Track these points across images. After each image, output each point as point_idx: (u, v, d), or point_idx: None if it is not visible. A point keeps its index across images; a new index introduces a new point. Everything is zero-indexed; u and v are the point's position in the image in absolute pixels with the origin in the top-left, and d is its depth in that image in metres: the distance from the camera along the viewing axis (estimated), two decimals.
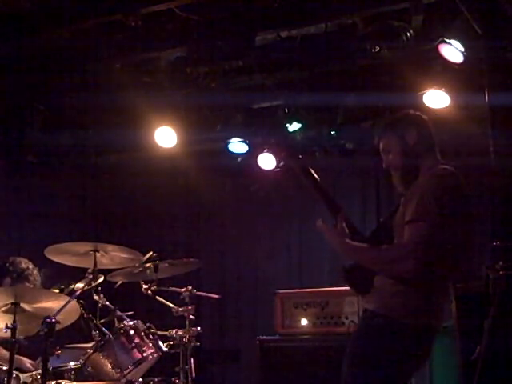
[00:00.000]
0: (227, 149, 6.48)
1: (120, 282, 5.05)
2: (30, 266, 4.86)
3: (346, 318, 5.48)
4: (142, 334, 4.62)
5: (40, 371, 3.87)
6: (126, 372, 4.39)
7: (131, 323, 4.63)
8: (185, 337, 4.84)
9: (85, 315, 4.43)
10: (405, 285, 3.02)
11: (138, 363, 4.50)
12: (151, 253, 4.86)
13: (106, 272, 4.77)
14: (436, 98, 5.48)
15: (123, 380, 4.36)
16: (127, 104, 5.90)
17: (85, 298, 4.45)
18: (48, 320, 3.67)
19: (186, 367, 4.83)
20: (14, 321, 3.83)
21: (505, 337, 4.24)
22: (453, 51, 4.87)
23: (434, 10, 4.80)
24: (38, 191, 6.68)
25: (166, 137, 6.23)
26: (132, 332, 4.58)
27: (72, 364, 4.39)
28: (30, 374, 4.31)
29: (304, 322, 5.64)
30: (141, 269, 4.88)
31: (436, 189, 3.05)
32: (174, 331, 4.86)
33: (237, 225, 7.18)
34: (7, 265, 4.83)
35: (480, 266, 4.45)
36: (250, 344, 6.02)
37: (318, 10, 4.97)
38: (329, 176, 6.25)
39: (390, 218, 3.28)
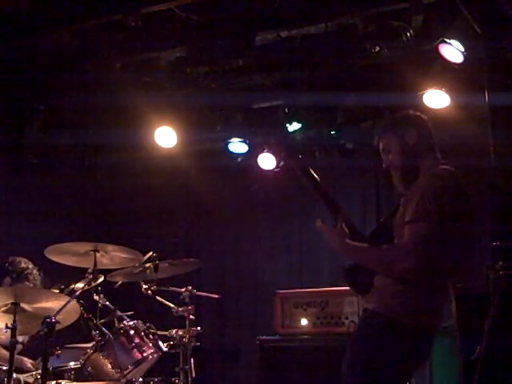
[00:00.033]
0: (227, 149, 6.48)
1: (120, 282, 5.05)
2: (30, 266, 4.86)
3: (346, 318, 5.48)
4: (142, 333, 4.62)
5: (40, 371, 3.87)
6: (126, 372, 4.39)
7: (131, 323, 4.63)
8: (185, 337, 4.85)
9: (85, 315, 4.43)
10: (405, 285, 3.02)
11: (138, 363, 4.50)
12: (151, 253, 4.86)
13: (106, 272, 4.77)
14: (436, 98, 5.48)
15: (123, 380, 4.36)
16: (127, 104, 5.90)
17: (85, 298, 4.45)
18: (48, 320, 3.67)
19: (186, 367, 4.84)
20: (14, 321, 3.83)
21: (505, 337, 4.25)
22: (453, 51, 4.87)
23: (433, 10, 4.80)
24: (38, 191, 6.68)
25: (166, 137, 6.23)
26: (132, 332, 4.58)
27: (72, 364, 4.39)
28: (30, 373, 4.31)
29: (304, 321, 5.64)
30: (141, 269, 4.88)
31: (436, 189, 3.05)
32: (174, 331, 4.86)
33: (237, 225, 7.18)
34: (7, 265, 4.83)
35: (480, 266, 4.45)
36: (250, 344, 6.02)
37: (318, 10, 4.96)
38: (329, 176, 6.26)
39: (390, 218, 3.28)
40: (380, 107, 5.86)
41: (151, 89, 5.75)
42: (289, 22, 5.11)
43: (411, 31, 4.81)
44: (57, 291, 4.40)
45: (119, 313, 4.78)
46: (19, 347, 4.02)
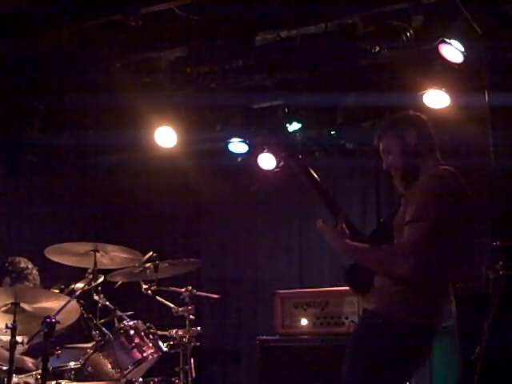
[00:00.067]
0: (227, 149, 6.48)
1: (120, 282, 5.05)
2: (30, 266, 4.86)
3: (346, 318, 5.48)
4: (142, 333, 4.62)
5: (40, 371, 3.87)
6: (126, 372, 4.39)
7: (131, 323, 4.63)
8: (185, 337, 4.85)
9: (85, 315, 4.43)
10: (404, 285, 3.03)
11: (138, 363, 4.50)
12: (151, 253, 4.87)
13: (106, 272, 4.77)
14: (436, 98, 5.48)
15: (123, 380, 4.36)
16: (127, 104, 5.90)
17: (85, 298, 4.45)
18: (48, 320, 3.67)
19: (186, 367, 4.84)
20: (14, 321, 3.83)
21: (505, 337, 4.24)
22: (453, 51, 4.87)
23: (434, 10, 4.79)
24: (38, 191, 6.68)
25: (166, 137, 6.23)
26: (132, 332, 4.58)
27: (72, 364, 4.39)
28: (30, 374, 4.30)
29: (304, 321, 5.64)
30: (141, 269, 4.89)
31: (436, 189, 3.05)
32: (174, 331, 4.86)
33: (237, 225, 7.18)
34: (6, 265, 4.83)
35: (480, 266, 4.45)
36: (250, 344, 6.02)
37: (318, 9, 4.96)
38: (329, 176, 6.26)
39: (391, 219, 3.28)
40: (380, 107, 5.86)
41: (151, 89, 5.75)
42: (289, 22, 5.10)
43: (411, 31, 4.81)
44: (57, 291, 4.40)
45: (119, 313, 4.78)
46: (20, 347, 4.02)
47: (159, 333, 4.79)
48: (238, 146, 6.46)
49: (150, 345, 4.61)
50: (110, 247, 4.61)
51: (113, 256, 4.69)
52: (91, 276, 4.52)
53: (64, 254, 4.64)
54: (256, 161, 6.40)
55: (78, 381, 4.33)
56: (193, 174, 6.93)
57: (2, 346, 4.28)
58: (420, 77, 5.36)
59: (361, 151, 6.42)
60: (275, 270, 6.99)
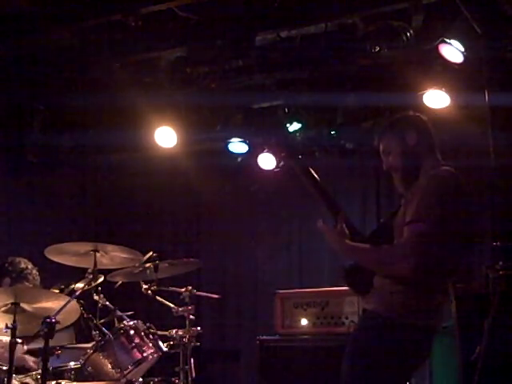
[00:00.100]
0: (227, 149, 6.48)
1: (120, 281, 5.05)
2: (29, 266, 4.86)
3: (346, 318, 5.47)
4: (142, 333, 4.62)
5: (40, 371, 3.87)
6: (126, 372, 4.40)
7: (131, 323, 4.63)
8: (185, 337, 4.85)
9: (85, 315, 4.43)
10: (404, 285, 3.03)
11: (138, 363, 4.50)
12: (151, 253, 4.87)
13: (106, 272, 4.77)
14: (436, 98, 5.48)
15: (123, 380, 4.37)
16: (127, 104, 5.90)
17: (85, 298, 4.46)
18: (48, 320, 3.67)
19: (186, 367, 4.84)
20: (14, 321, 3.83)
21: (505, 337, 4.24)
22: (453, 51, 4.87)
23: (433, 10, 4.80)
24: (38, 191, 6.68)
25: (166, 137, 6.23)
26: (132, 332, 4.58)
27: (72, 364, 4.39)
28: (30, 374, 4.30)
29: (304, 321, 5.64)
30: (141, 269, 4.89)
31: (436, 190, 3.05)
32: (174, 331, 4.86)
33: (237, 225, 7.18)
34: (6, 265, 4.83)
35: (480, 266, 4.45)
36: (250, 344, 6.02)
37: (318, 9, 4.96)
38: (329, 176, 6.25)
39: (391, 219, 3.28)
40: (380, 107, 5.86)
41: (151, 89, 5.75)
42: (289, 22, 5.11)
43: (411, 31, 4.81)
44: (57, 291, 4.40)
45: (119, 313, 4.78)
46: (20, 347, 4.02)
47: (159, 333, 4.80)
48: (238, 145, 6.45)
49: (150, 345, 4.61)
50: (110, 247, 4.61)
51: (113, 256, 4.69)
52: (91, 276, 4.52)
53: (64, 254, 4.64)
54: (256, 161, 6.40)
55: (78, 381, 4.33)
56: (193, 174, 6.93)
57: (2, 347, 4.28)
58: (420, 77, 5.36)
59: (361, 151, 6.42)
60: (275, 270, 6.99)
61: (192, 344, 4.87)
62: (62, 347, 4.37)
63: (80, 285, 4.48)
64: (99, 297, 4.70)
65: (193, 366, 4.88)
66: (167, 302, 5.07)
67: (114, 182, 7.26)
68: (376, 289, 3.13)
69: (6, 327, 3.82)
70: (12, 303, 3.88)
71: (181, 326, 4.92)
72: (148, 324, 4.73)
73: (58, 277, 4.70)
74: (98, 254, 4.58)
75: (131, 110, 6.03)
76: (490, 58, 4.93)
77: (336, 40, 5.12)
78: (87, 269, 4.60)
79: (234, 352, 7.03)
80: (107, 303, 4.75)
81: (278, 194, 6.92)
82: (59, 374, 4.32)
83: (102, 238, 4.85)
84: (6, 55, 5.33)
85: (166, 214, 7.54)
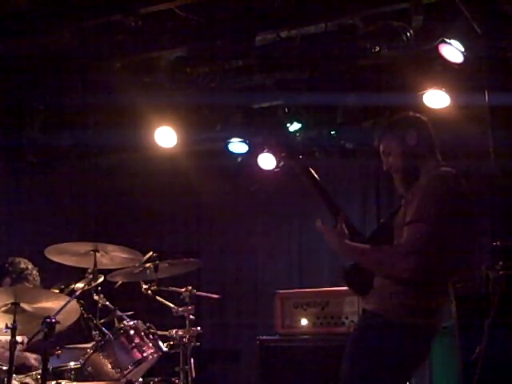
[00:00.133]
0: (227, 149, 6.48)
1: (120, 281, 5.05)
2: (30, 266, 4.86)
3: (346, 318, 5.47)
4: (142, 333, 4.62)
5: (40, 371, 3.87)
6: (126, 372, 4.39)
7: (131, 323, 4.63)
8: (185, 337, 4.85)
9: (85, 315, 4.43)
10: (404, 285, 3.02)
11: (138, 363, 4.50)
12: (151, 253, 4.87)
13: (106, 272, 4.77)
14: (436, 98, 5.48)
15: (123, 380, 4.37)
16: (127, 104, 5.90)
17: (85, 298, 4.45)
18: (48, 320, 3.67)
19: (186, 367, 4.84)
20: (14, 321, 3.83)
21: (505, 337, 4.24)
22: (453, 51, 4.86)
23: (433, 10, 4.79)
24: (38, 191, 6.68)
25: (166, 137, 6.23)
26: (132, 332, 4.58)
27: (72, 364, 4.39)
28: (30, 373, 4.30)
29: (304, 321, 5.63)
30: (141, 269, 4.89)
31: (436, 190, 3.05)
32: (174, 331, 4.86)
33: (237, 225, 7.18)
34: (6, 265, 4.82)
35: (480, 266, 4.45)
36: (249, 344, 6.02)
37: (318, 9, 4.96)
38: (329, 176, 6.25)
39: (391, 219, 3.28)
40: (380, 107, 5.86)
41: (151, 89, 5.75)
42: (289, 22, 5.10)
43: (411, 31, 4.81)
44: (57, 291, 4.40)
45: (119, 313, 4.78)
46: (20, 347, 4.02)
47: (159, 333, 4.80)
48: (238, 145, 6.46)
49: (150, 345, 4.61)
50: (110, 247, 4.61)
51: (113, 256, 4.69)
52: (91, 276, 4.52)
53: (64, 254, 4.64)
54: (256, 161, 6.40)
55: (78, 381, 4.33)
56: (193, 174, 6.93)
57: (3, 347, 4.28)
58: (420, 77, 5.36)
59: (361, 151, 6.42)
60: (275, 270, 7.00)
61: (192, 344, 4.87)
62: (61, 347, 4.37)
63: (80, 285, 4.48)
64: (99, 297, 4.70)
65: (193, 366, 4.88)
66: (167, 302, 5.07)
67: (113, 181, 7.26)
68: (376, 289, 3.13)
69: (6, 327, 3.82)
70: (12, 303, 3.87)
71: (181, 326, 4.92)
72: (148, 324, 4.73)
73: (57, 277, 4.69)
74: (98, 254, 4.59)
75: (131, 110, 6.03)
76: (490, 58, 4.93)
77: (336, 40, 5.12)
78: (87, 269, 4.60)
79: (234, 352, 7.03)
80: (107, 303, 4.75)
81: (278, 194, 6.92)
82: (59, 373, 4.32)
83: (102, 238, 4.84)
84: (6, 55, 5.33)
85: (165, 214, 7.53)
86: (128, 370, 4.42)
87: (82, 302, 4.35)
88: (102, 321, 4.62)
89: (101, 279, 4.59)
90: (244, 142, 6.41)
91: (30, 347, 4.40)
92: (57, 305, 3.89)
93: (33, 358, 4.57)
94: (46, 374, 3.75)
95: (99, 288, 4.69)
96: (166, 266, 4.96)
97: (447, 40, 4.80)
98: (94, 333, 4.46)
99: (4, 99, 5.94)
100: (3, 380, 3.90)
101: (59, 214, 6.85)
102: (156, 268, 4.87)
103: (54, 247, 4.57)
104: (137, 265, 4.84)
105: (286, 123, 6.06)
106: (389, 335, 3.03)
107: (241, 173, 6.83)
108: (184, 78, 5.60)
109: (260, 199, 7.03)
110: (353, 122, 6.12)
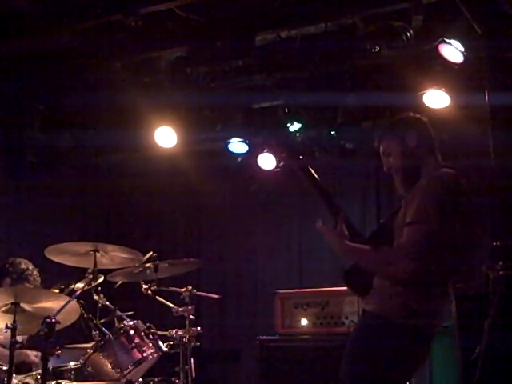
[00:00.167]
0: (227, 149, 6.48)
1: (120, 281, 5.05)
2: (30, 267, 4.86)
3: (346, 318, 5.48)
4: (142, 333, 4.62)
5: (40, 371, 3.87)
6: (126, 372, 4.39)
7: (131, 323, 4.63)
8: (185, 337, 4.85)
9: (85, 315, 4.43)
10: (403, 286, 3.02)
11: (138, 363, 4.50)
12: (151, 253, 4.87)
13: (106, 272, 4.77)
14: (436, 98, 5.48)
15: (123, 380, 4.37)
16: (127, 104, 5.90)
17: (85, 298, 4.45)
18: (48, 320, 3.67)
19: (186, 367, 4.84)
20: (14, 321, 3.83)
21: (505, 337, 4.24)
22: (453, 51, 4.87)
23: (433, 10, 4.80)
24: (38, 191, 6.68)
25: (166, 137, 6.24)
26: (132, 332, 4.58)
27: (72, 364, 4.39)
28: (30, 373, 4.30)
29: (304, 321, 5.64)
30: (141, 269, 4.89)
31: (437, 191, 3.05)
32: (174, 331, 4.86)
33: (237, 225, 7.18)
34: (7, 266, 4.83)
35: (480, 266, 4.44)
36: (249, 344, 6.02)
37: (318, 9, 4.96)
38: (329, 176, 6.26)
39: (391, 219, 3.27)
40: (380, 107, 5.86)
41: (151, 89, 5.75)
42: (289, 22, 5.11)
43: (411, 31, 4.81)
44: (57, 291, 4.40)
45: (119, 313, 4.78)
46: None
47: (159, 333, 4.80)
48: (238, 145, 6.46)
49: (150, 345, 4.61)
50: (110, 247, 4.62)
51: (113, 256, 4.69)
52: (91, 276, 4.52)
53: (64, 254, 4.64)
54: (256, 161, 6.40)
55: (78, 381, 4.33)
56: (193, 174, 6.93)
57: (3, 346, 4.28)
58: (420, 77, 5.36)
59: (361, 151, 6.41)
60: (275, 269, 7.00)
61: (192, 344, 4.87)
62: (61, 347, 4.37)
63: (80, 285, 4.48)
64: (99, 297, 4.70)
65: (193, 366, 4.88)
66: (167, 302, 5.07)
67: (114, 181, 7.26)
68: (376, 290, 3.13)
69: (6, 327, 3.82)
70: (12, 303, 3.88)
71: (181, 326, 4.92)
72: (148, 324, 4.73)
73: (58, 277, 4.69)
74: (98, 254, 4.59)
75: (131, 110, 6.03)
76: (490, 58, 4.93)
77: (336, 40, 5.12)
78: (87, 269, 4.60)
79: (234, 352, 7.03)
80: (107, 303, 4.75)
81: (278, 194, 6.92)
82: (59, 373, 4.32)
83: (102, 238, 4.84)
84: (6, 55, 5.33)
85: (165, 214, 7.53)
86: (128, 370, 4.42)
87: (82, 301, 4.35)
88: (102, 321, 4.62)
89: (101, 279, 4.59)
90: (244, 142, 6.41)
91: (30, 344, 4.41)
92: (57, 305, 3.89)
93: (33, 355, 4.58)
94: (46, 374, 3.75)
95: (99, 288, 4.69)
96: (165, 266, 4.96)
97: (447, 40, 4.80)
98: (94, 333, 4.46)
99: (4, 99, 5.94)
100: (3, 380, 3.90)
101: (59, 213, 6.85)
102: (156, 268, 4.87)
103: (54, 247, 4.57)
104: (137, 265, 4.84)
105: (286, 123, 6.06)
106: (389, 335, 3.03)
107: (241, 173, 6.83)
108: (184, 78, 5.60)
109: (260, 199, 7.03)
110: (353, 121, 6.12)
